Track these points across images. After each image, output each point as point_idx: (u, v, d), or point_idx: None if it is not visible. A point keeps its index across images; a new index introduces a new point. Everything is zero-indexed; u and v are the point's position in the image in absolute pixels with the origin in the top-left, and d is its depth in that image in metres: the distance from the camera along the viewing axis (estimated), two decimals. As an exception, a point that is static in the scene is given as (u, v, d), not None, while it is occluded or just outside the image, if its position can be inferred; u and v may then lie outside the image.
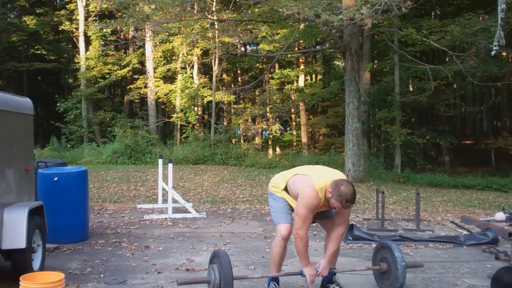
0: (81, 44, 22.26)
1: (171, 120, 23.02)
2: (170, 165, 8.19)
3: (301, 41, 20.75)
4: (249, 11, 21.02)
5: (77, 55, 22.90)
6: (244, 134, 24.71)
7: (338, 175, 3.96)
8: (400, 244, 5.90)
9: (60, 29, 23.87)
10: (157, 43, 22.68)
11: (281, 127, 26.08)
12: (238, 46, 25.14)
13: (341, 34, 13.61)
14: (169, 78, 23.75)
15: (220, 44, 20.65)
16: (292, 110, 24.62)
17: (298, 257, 4.03)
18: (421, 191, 9.61)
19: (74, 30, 22.77)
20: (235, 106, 25.55)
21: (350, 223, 6.92)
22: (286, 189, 4.07)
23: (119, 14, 16.69)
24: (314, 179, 3.85)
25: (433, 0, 20.81)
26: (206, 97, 22.12)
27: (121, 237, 6.45)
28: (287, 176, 4.10)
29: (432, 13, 21.79)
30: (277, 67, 24.81)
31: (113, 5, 15.85)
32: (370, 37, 17.91)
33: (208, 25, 20.51)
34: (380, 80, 20.08)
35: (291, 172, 4.10)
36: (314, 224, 4.44)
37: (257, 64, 26.24)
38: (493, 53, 8.89)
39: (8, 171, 4.56)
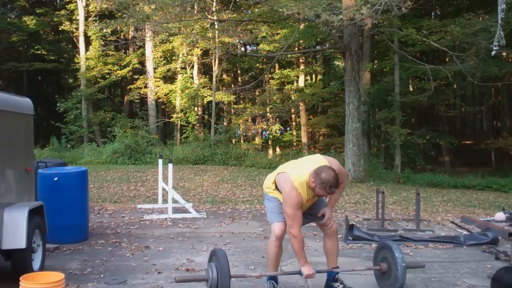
0: (81, 44, 22.26)
1: (171, 120, 23.03)
2: (170, 165, 8.19)
3: (301, 41, 20.74)
4: (249, 11, 21.03)
5: (77, 55, 22.91)
6: (244, 134, 24.71)
7: (317, 162, 3.94)
8: (400, 244, 5.90)
9: (60, 29, 23.89)
10: (157, 43, 22.70)
11: (281, 127, 26.08)
12: (238, 46, 25.14)
13: (341, 34, 13.60)
14: (169, 78, 23.76)
15: (220, 44, 20.65)
16: (292, 110, 24.63)
17: (295, 256, 4.05)
18: (421, 191, 9.60)
19: (74, 30, 22.78)
20: (235, 106, 25.56)
21: (350, 223, 6.92)
22: (277, 188, 4.09)
23: (119, 14, 16.69)
24: (292, 176, 3.88)
25: (433, 0, 20.82)
26: (206, 97, 22.12)
27: (121, 237, 6.44)
28: (274, 175, 4.13)
29: (432, 13, 21.80)
30: (277, 67, 24.81)
31: (113, 5, 15.85)
32: (370, 37, 17.92)
33: (208, 25, 20.50)
34: (380, 80, 20.09)
35: (276, 171, 4.13)
36: (314, 224, 4.46)
37: (257, 64, 26.24)
38: (493, 53, 8.89)
39: (8, 171, 4.56)
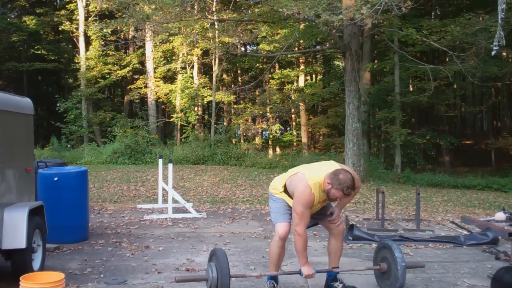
0: (81, 44, 22.26)
1: (171, 120, 23.03)
2: (170, 165, 8.19)
3: (301, 41, 20.75)
4: (249, 11, 21.02)
5: (77, 55, 22.91)
6: (244, 134, 24.71)
7: (332, 166, 4.01)
8: (400, 244, 5.90)
9: (60, 29, 23.86)
10: (157, 43, 22.69)
11: (281, 127, 26.08)
12: (238, 46, 25.14)
13: (341, 34, 13.60)
14: (169, 78, 23.76)
15: (220, 44, 20.65)
16: (292, 110, 24.62)
17: (297, 255, 4.05)
18: (421, 191, 9.61)
19: (74, 30, 22.77)
20: (235, 106, 25.56)
21: (350, 223, 6.92)
22: (285, 190, 4.14)
23: (119, 14, 16.70)
24: (307, 176, 3.94)
25: (433, 0, 20.81)
26: (206, 97, 22.13)
27: (121, 237, 6.45)
28: (285, 177, 4.18)
29: (432, 13, 21.78)
30: (277, 67, 24.80)
31: (113, 5, 15.86)
32: (370, 37, 17.91)
33: (208, 25, 20.51)
34: (380, 80, 20.07)
35: (288, 174, 4.18)
36: (319, 225, 4.48)
37: (257, 64, 26.24)
38: (493, 53, 8.88)
39: (8, 171, 4.56)
